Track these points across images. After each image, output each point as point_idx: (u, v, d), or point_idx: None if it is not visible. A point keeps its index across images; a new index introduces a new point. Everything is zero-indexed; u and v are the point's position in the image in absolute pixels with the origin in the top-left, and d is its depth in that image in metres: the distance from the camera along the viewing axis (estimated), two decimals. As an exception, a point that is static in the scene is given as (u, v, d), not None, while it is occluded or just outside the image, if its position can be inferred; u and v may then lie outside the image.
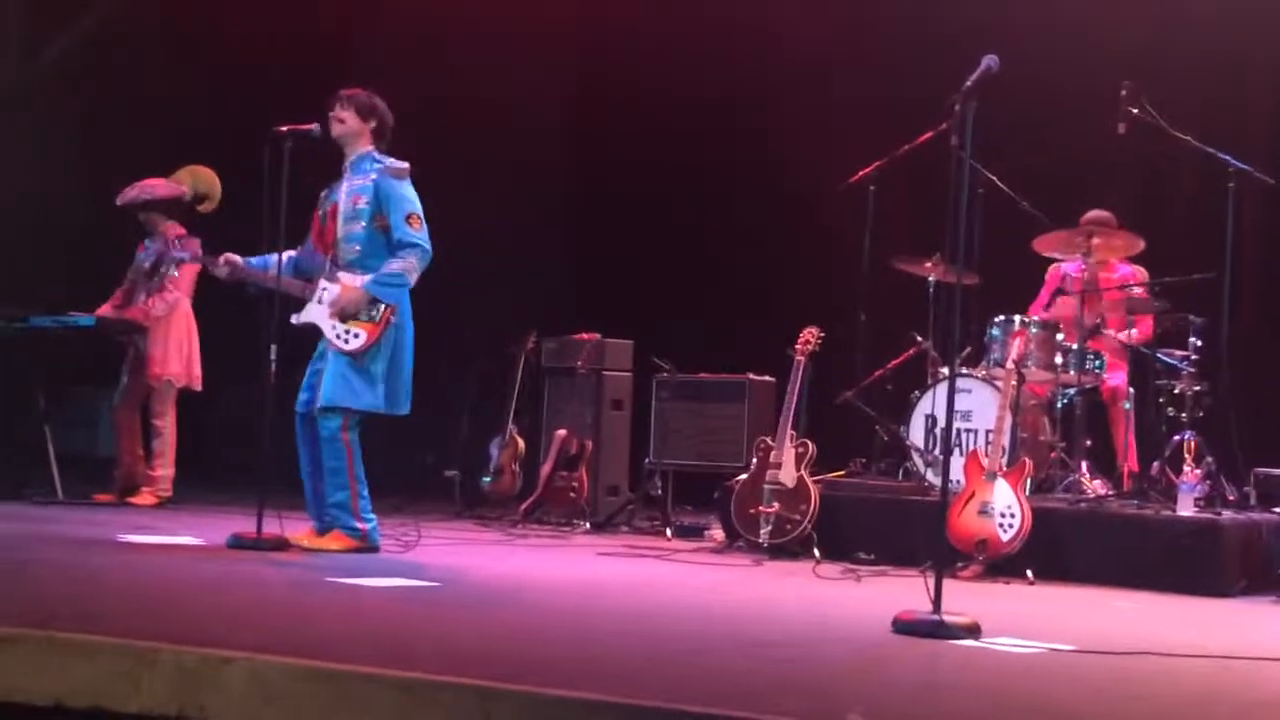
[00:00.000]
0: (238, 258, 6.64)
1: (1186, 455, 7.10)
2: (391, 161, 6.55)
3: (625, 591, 5.97)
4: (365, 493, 6.47)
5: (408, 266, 6.45)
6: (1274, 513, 6.78)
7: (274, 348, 6.39)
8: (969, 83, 5.20)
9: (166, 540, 6.66)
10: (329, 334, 6.44)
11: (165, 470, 8.53)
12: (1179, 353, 7.46)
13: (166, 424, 8.53)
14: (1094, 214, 7.80)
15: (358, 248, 6.50)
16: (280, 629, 4.38)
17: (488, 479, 9.03)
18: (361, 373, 6.42)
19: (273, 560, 6.08)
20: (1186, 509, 6.79)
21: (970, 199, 6.18)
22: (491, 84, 10.65)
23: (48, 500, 8.19)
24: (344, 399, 6.40)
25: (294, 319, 6.49)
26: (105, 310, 8.60)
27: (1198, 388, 7.35)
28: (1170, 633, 5.43)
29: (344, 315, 6.43)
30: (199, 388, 8.69)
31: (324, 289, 6.49)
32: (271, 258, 6.59)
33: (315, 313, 6.48)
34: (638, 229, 10.67)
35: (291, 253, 6.62)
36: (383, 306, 6.43)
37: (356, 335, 6.42)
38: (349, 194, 6.53)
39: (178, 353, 8.54)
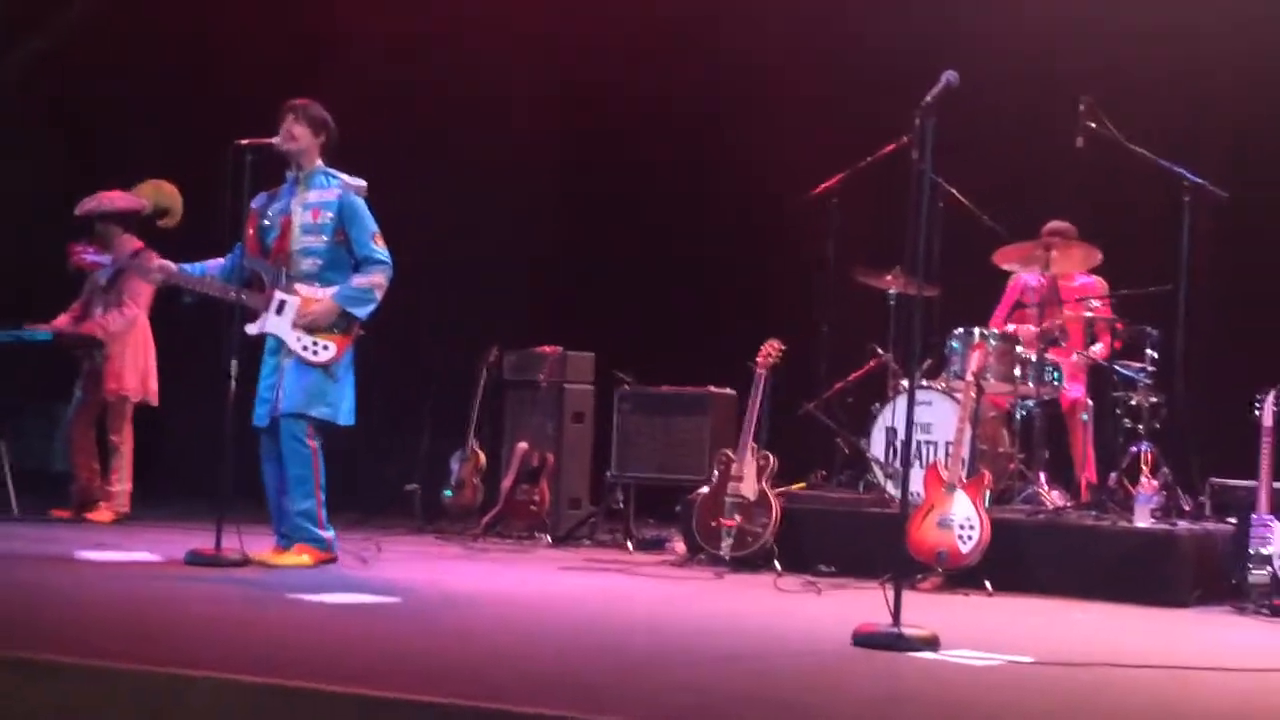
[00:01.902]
0: (170, 264, 6.65)
1: (1143, 466, 7.16)
2: (350, 179, 6.57)
3: (587, 605, 5.97)
4: (325, 502, 6.47)
5: (377, 283, 6.49)
6: (1229, 523, 6.83)
7: (234, 363, 6.37)
8: (929, 98, 5.24)
9: (124, 557, 6.62)
10: (294, 345, 6.42)
11: (122, 486, 8.48)
12: (1136, 364, 7.52)
13: (124, 439, 8.49)
14: (1054, 224, 7.85)
15: (318, 261, 6.51)
16: (241, 647, 4.36)
17: (449, 492, 9.01)
18: (333, 384, 6.44)
19: (232, 576, 6.05)
20: (1143, 520, 6.85)
21: (931, 212, 6.21)
22: (455, 100, 10.64)
23: (3, 516, 8.13)
24: (316, 409, 6.40)
25: (249, 329, 6.47)
26: (62, 323, 8.56)
27: (1154, 399, 7.41)
28: (1127, 643, 5.48)
29: (313, 328, 6.42)
30: (155, 402, 8.66)
31: (281, 300, 6.47)
32: (203, 265, 6.61)
33: (276, 324, 6.46)
34: (599, 242, 10.67)
35: (221, 260, 6.63)
36: (351, 320, 6.44)
37: (326, 347, 6.42)
38: (305, 207, 6.53)
39: (134, 368, 8.50)
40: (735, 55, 10.23)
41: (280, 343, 6.47)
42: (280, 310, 6.46)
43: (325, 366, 6.43)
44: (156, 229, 8.59)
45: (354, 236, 6.50)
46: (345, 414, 6.51)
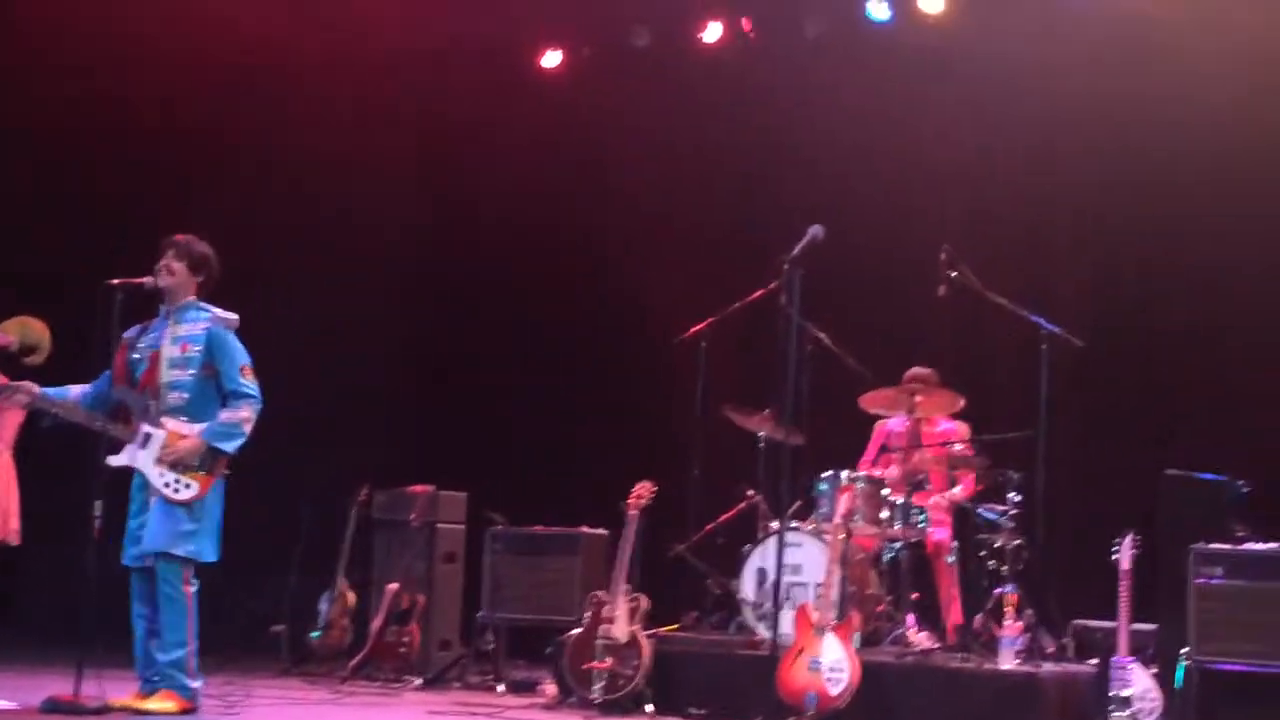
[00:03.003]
0: (35, 386, 6.54)
1: (1007, 608, 7.28)
2: (221, 312, 6.53)
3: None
4: (197, 650, 6.34)
5: (244, 417, 6.42)
6: (1090, 665, 6.97)
7: (99, 503, 6.24)
8: (796, 251, 5.41)
9: (-23, 704, 6.41)
10: (156, 482, 6.32)
11: (-23, 627, 8.23)
12: (999, 507, 7.69)
13: (-20, 579, 8.26)
14: (916, 371, 8.05)
15: (186, 395, 6.42)
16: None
17: (316, 634, 8.87)
18: (194, 522, 6.33)
19: (91, 725, 5.88)
20: (1007, 662, 6.95)
21: (799, 357, 6.37)
22: (326, 235, 10.68)
23: None
24: (182, 547, 6.28)
25: (111, 460, 6.36)
26: (-78, 461, 8.32)
27: (1017, 542, 7.57)
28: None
29: (177, 464, 6.33)
30: (17, 541, 8.39)
31: (147, 433, 6.38)
32: (67, 390, 6.52)
33: (139, 458, 6.36)
34: (472, 382, 10.71)
35: (86, 387, 6.55)
36: (218, 457, 6.36)
37: (189, 486, 6.32)
38: (175, 340, 6.47)
39: (-6, 506, 8.28)
40: (608, 199, 10.44)
41: (146, 478, 6.38)
42: (145, 444, 6.37)
43: (188, 505, 6.33)
44: (23, 366, 8.43)
45: (222, 370, 6.44)
46: (209, 551, 6.41)
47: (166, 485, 6.32)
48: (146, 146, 10.61)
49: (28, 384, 6.60)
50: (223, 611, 8.83)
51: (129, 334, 6.55)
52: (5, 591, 8.64)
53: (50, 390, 6.54)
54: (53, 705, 6.14)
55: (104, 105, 10.50)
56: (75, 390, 6.55)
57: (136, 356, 6.49)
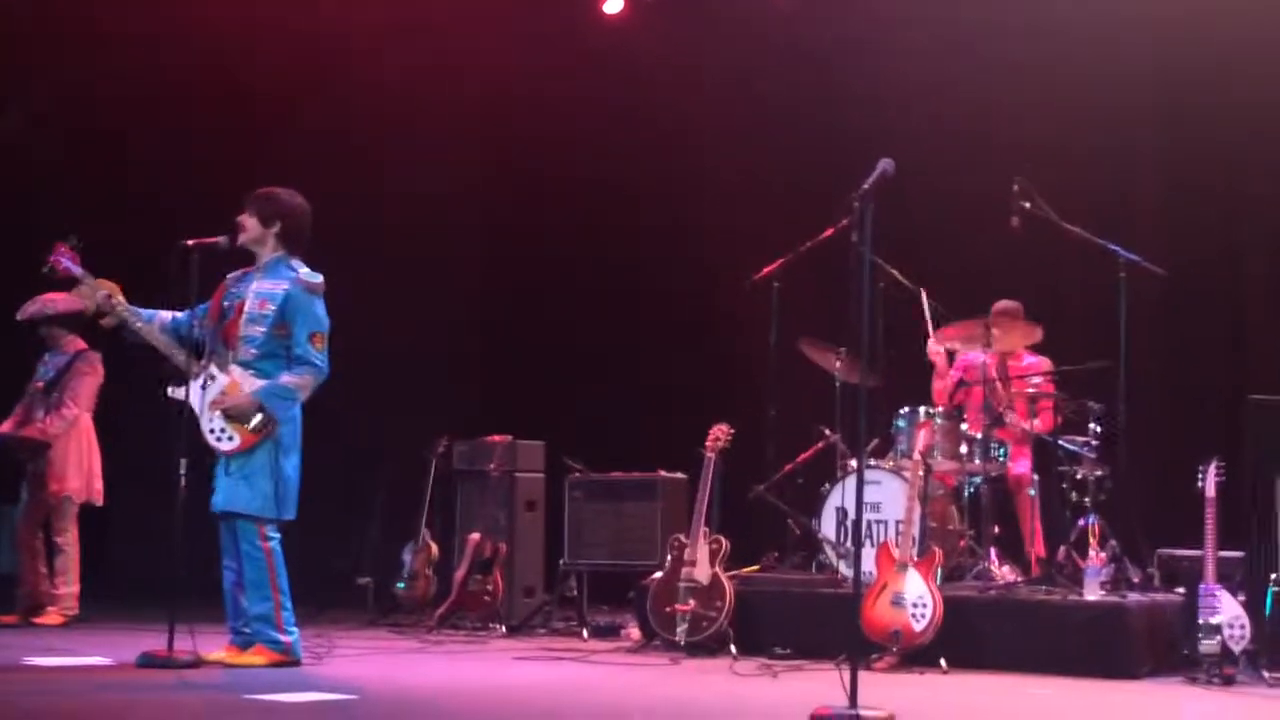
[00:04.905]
0: (121, 299, 6.55)
1: (1091, 539, 7.23)
2: (307, 274, 6.50)
3: (543, 696, 5.96)
4: (288, 604, 6.40)
5: (302, 383, 6.41)
6: (1177, 593, 6.91)
7: (184, 461, 6.32)
8: (866, 185, 5.35)
9: (74, 662, 6.54)
10: (204, 425, 6.36)
11: (70, 588, 8.40)
12: (1080, 439, 7.61)
13: (69, 540, 8.42)
14: (1003, 304, 7.94)
15: (254, 351, 6.43)
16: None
17: (401, 585, 8.97)
18: (245, 480, 6.36)
19: (186, 679, 5.98)
20: (1093, 593, 6.91)
21: (872, 294, 6.32)
22: (399, 187, 10.71)
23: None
24: (242, 505, 6.33)
25: (171, 391, 6.42)
26: (6, 428, 8.48)
27: (1099, 472, 7.51)
28: (1082, 718, 5.51)
29: (228, 414, 6.37)
30: (100, 502, 8.59)
31: (210, 374, 6.41)
32: (155, 312, 6.56)
33: (195, 397, 6.39)
34: (547, 329, 10.73)
35: (178, 314, 6.57)
36: (266, 418, 6.35)
37: (231, 438, 6.35)
38: (257, 295, 6.47)
39: (76, 469, 8.45)
40: (676, 142, 10.39)
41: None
42: (205, 385, 6.40)
43: (230, 457, 6.35)
44: (98, 329, 8.54)
45: (294, 333, 6.42)
46: (274, 508, 6.36)
47: (211, 432, 6.36)
48: (224, 113, 10.64)
49: (114, 291, 6.60)
50: (308, 566, 8.98)
51: (231, 276, 6.59)
52: (98, 549, 8.78)
53: (142, 311, 6.57)
54: (148, 660, 6.26)
55: (176, 79, 10.54)
56: (164, 314, 6.57)
57: (227, 304, 6.53)
